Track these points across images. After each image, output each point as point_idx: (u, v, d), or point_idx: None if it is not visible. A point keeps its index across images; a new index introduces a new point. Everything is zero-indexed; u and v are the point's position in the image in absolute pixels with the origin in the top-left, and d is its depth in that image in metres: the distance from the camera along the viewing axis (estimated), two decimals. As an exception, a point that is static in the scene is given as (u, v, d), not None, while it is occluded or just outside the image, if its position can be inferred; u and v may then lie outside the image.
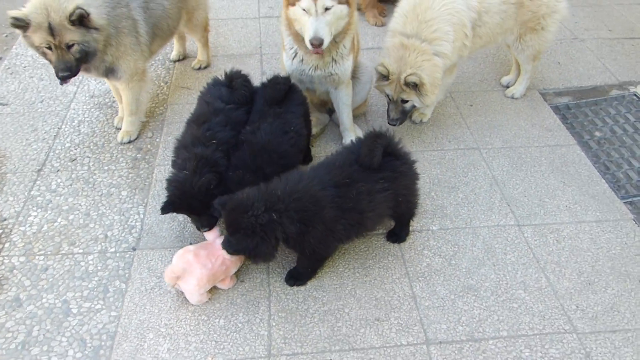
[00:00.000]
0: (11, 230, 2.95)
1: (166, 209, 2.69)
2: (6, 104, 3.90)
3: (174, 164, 2.77)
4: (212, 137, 2.76)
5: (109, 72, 3.26)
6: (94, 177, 3.31)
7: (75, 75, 3.07)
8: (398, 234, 2.94)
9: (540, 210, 3.17)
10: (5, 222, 3.00)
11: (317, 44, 2.88)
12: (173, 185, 2.68)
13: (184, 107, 3.87)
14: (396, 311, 2.61)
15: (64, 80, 3.07)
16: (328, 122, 3.78)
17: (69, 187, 3.24)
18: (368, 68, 3.68)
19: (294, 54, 3.13)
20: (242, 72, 3.11)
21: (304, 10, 2.86)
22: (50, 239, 2.91)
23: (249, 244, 2.29)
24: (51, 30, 2.88)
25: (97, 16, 3.01)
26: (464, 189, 3.29)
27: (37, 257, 2.82)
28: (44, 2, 2.87)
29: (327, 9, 2.85)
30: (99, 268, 2.77)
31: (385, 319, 2.57)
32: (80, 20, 2.92)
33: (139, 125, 3.61)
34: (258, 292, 2.68)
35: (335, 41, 3.02)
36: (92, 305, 2.60)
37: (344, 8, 2.92)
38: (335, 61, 3.13)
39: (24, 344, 2.43)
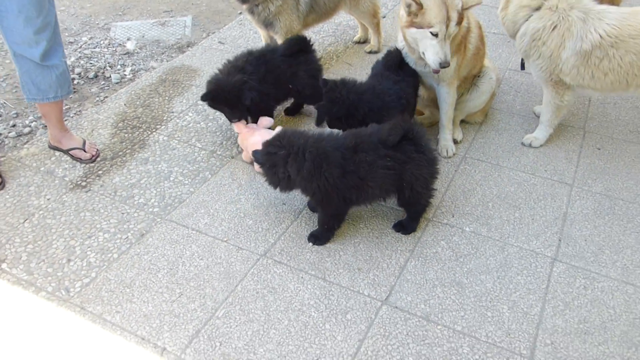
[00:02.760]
0: (170, 120, 4.13)
1: (204, 97, 3.58)
2: (223, 43, 5.21)
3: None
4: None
5: (268, 24, 4.13)
6: (241, 105, 4.29)
7: None
8: (404, 226, 3.09)
9: (590, 257, 2.97)
10: (172, 114, 4.20)
11: (446, 67, 3.19)
12: (212, 82, 3.62)
13: (337, 77, 4.58)
14: (379, 271, 2.90)
15: None
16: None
17: (222, 106, 4.29)
18: (492, 80, 3.81)
19: (402, 47, 3.53)
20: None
21: (432, 34, 3.12)
22: (188, 132, 3.99)
23: (261, 163, 2.92)
24: None
25: None
26: (524, 212, 3.26)
27: (174, 140, 3.91)
28: None
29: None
30: (203, 160, 3.72)
31: (365, 272, 2.89)
32: None
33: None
34: (288, 215, 3.27)
35: None
36: (182, 180, 3.55)
37: (457, 29, 3.20)
38: None
39: (133, 185, 3.52)
